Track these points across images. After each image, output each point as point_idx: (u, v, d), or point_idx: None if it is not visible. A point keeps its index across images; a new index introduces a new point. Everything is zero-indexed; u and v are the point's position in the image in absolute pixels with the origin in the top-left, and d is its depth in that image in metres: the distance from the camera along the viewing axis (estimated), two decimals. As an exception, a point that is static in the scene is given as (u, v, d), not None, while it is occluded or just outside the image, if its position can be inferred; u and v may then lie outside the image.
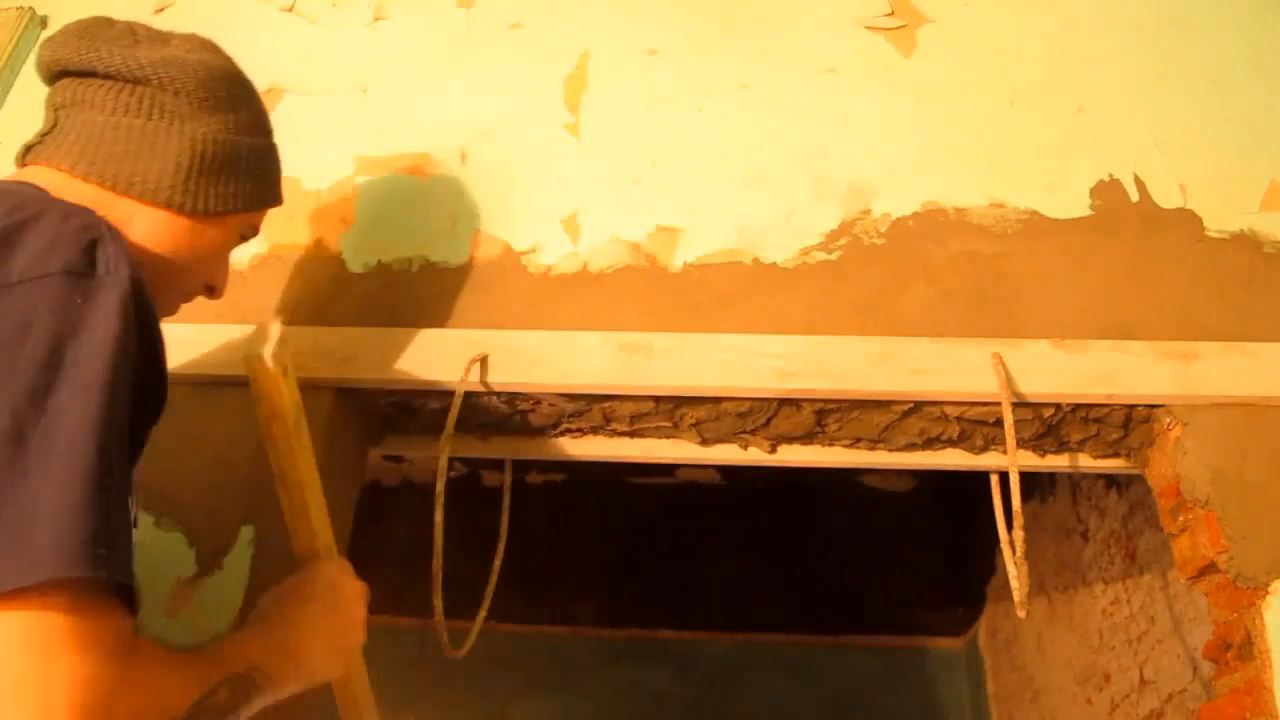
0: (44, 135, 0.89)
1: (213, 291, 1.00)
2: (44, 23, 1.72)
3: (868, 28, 1.52)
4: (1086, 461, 1.29)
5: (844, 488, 3.31)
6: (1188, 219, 1.33)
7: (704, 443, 1.32)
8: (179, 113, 0.90)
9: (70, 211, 0.74)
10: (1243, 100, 1.42)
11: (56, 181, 0.85)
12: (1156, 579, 1.82)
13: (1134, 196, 1.35)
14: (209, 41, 0.99)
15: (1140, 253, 1.30)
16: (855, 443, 1.30)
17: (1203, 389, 1.16)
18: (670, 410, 1.27)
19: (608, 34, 1.55)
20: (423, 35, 1.59)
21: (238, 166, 0.94)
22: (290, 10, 1.66)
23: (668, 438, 1.33)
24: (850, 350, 1.22)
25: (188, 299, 0.98)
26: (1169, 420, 1.18)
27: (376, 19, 1.62)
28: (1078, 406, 1.21)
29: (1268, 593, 1.07)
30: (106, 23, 0.93)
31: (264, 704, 0.77)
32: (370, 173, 1.46)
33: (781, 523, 3.31)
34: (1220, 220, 1.32)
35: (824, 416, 1.26)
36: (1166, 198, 1.34)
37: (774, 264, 1.33)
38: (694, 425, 1.29)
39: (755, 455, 1.32)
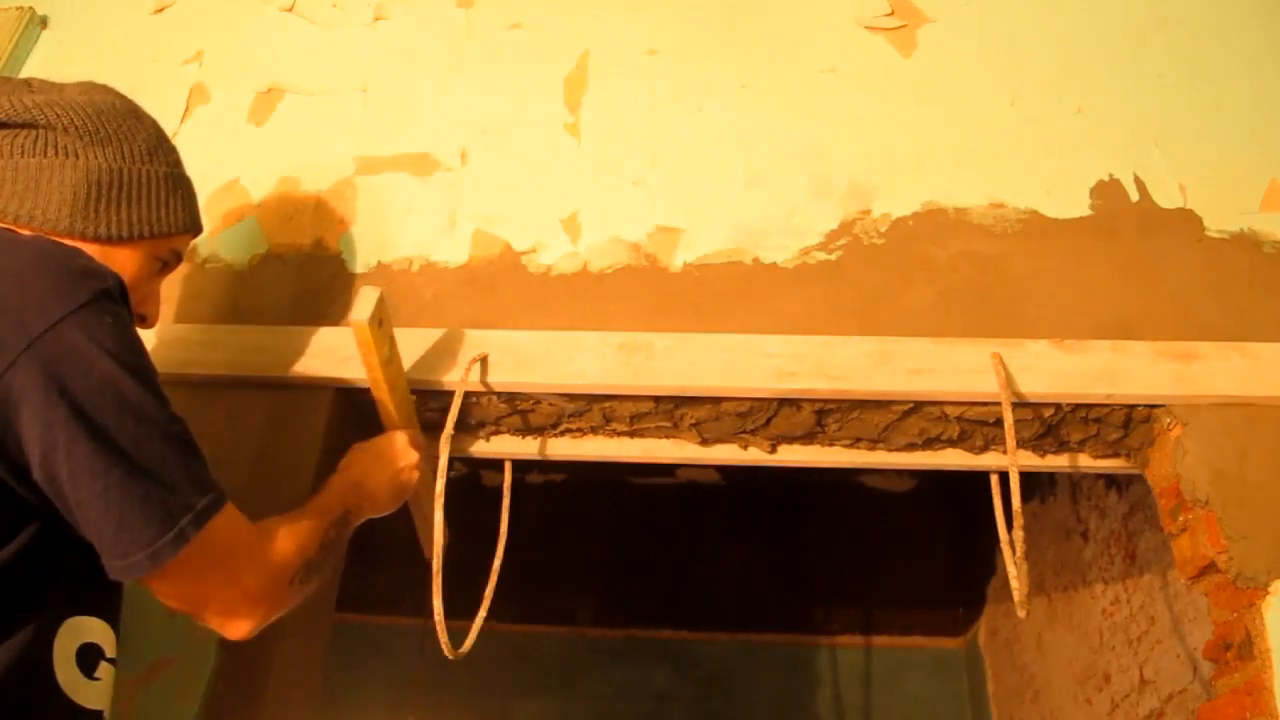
0: None
1: (144, 321, 1.04)
2: (44, 23, 1.72)
3: (867, 28, 1.52)
4: (1086, 461, 1.29)
5: (844, 488, 3.31)
6: (1188, 219, 1.33)
7: (704, 443, 1.32)
8: (71, 148, 0.95)
9: (55, 246, 0.85)
10: (1243, 100, 1.42)
11: None
12: (1156, 579, 1.82)
13: (1134, 196, 1.35)
14: (102, 84, 1.04)
15: (1140, 253, 1.30)
16: (855, 443, 1.30)
17: (1203, 389, 1.16)
18: (670, 410, 1.27)
19: (608, 34, 1.55)
20: (423, 35, 1.60)
21: (136, 193, 0.98)
22: (290, 10, 1.66)
23: (668, 438, 1.33)
24: (850, 350, 1.22)
25: None
26: (1169, 420, 1.18)
27: (376, 19, 1.62)
28: (1078, 406, 1.21)
29: (1268, 593, 1.07)
30: (2, 79, 0.98)
31: (351, 531, 1.09)
32: (370, 173, 1.46)
33: (781, 523, 3.31)
34: (1220, 220, 1.32)
35: (824, 416, 1.26)
36: (1166, 198, 1.34)
37: (774, 264, 1.33)
38: (694, 425, 1.29)
39: (755, 455, 1.32)
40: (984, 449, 1.29)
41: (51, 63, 1.67)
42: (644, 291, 1.32)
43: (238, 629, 0.88)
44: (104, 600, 0.89)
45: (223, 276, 1.40)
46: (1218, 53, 1.47)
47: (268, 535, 0.91)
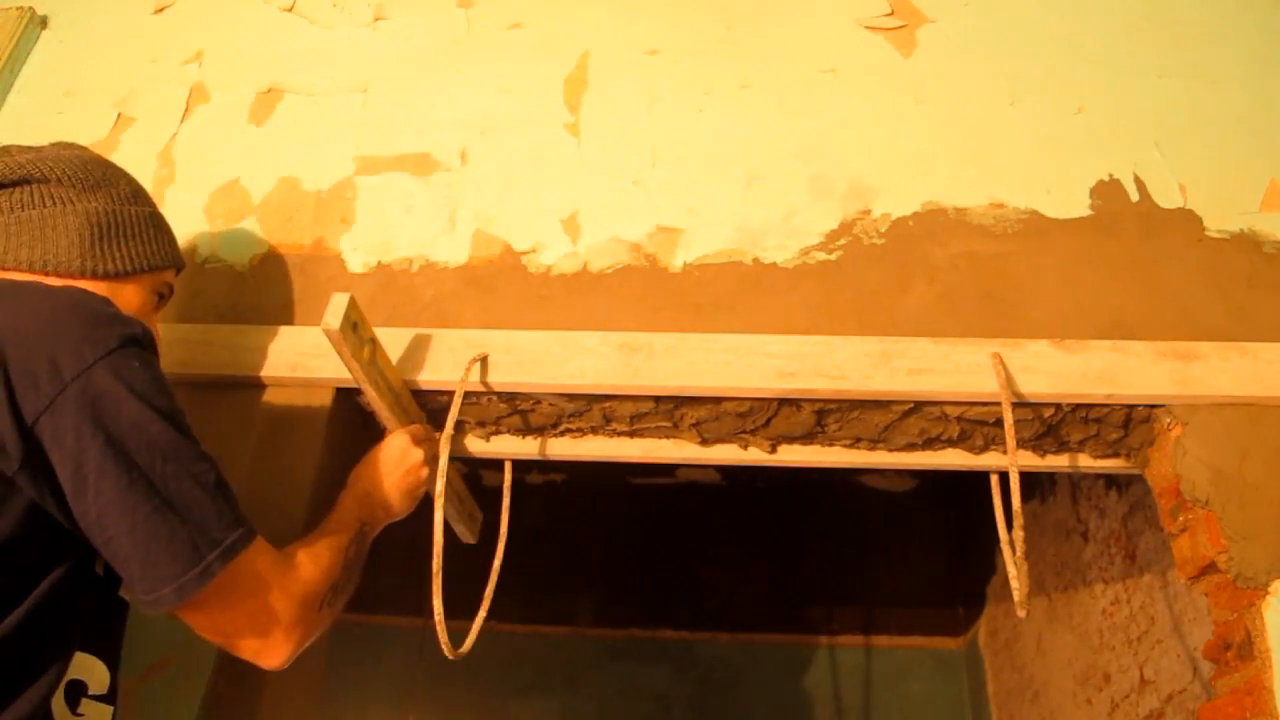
0: None
1: None
2: (44, 23, 1.72)
3: (868, 28, 1.52)
4: (1086, 461, 1.29)
5: (844, 488, 3.31)
6: (1188, 219, 1.33)
7: (704, 443, 1.32)
8: (66, 197, 1.01)
9: (74, 293, 0.89)
10: (1243, 100, 1.42)
11: None
12: (1156, 579, 1.82)
13: (1134, 196, 1.35)
14: (70, 142, 1.11)
15: (1140, 253, 1.30)
16: (855, 443, 1.30)
17: (1203, 389, 1.16)
18: (670, 410, 1.27)
19: (608, 34, 1.55)
20: (423, 35, 1.59)
21: (131, 230, 1.05)
22: (290, 10, 1.66)
23: (668, 438, 1.33)
24: (850, 350, 1.22)
25: None
26: (1169, 420, 1.18)
27: (376, 19, 1.62)
28: (1078, 406, 1.21)
29: (1268, 593, 1.07)
30: None
31: (369, 542, 1.11)
32: (370, 173, 1.46)
33: (782, 523, 3.31)
34: (1220, 220, 1.32)
35: (824, 416, 1.26)
36: (1166, 198, 1.34)
37: (774, 264, 1.33)
38: (694, 425, 1.29)
39: (755, 455, 1.32)
40: (984, 449, 1.29)
41: (51, 63, 1.67)
42: (644, 291, 1.32)
43: (272, 658, 0.90)
44: (107, 640, 0.93)
45: (223, 276, 1.40)
46: (1217, 53, 1.47)
47: (293, 564, 0.94)
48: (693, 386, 1.22)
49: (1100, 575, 2.09)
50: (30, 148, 1.07)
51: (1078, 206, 1.34)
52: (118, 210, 1.04)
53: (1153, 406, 1.20)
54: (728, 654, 3.26)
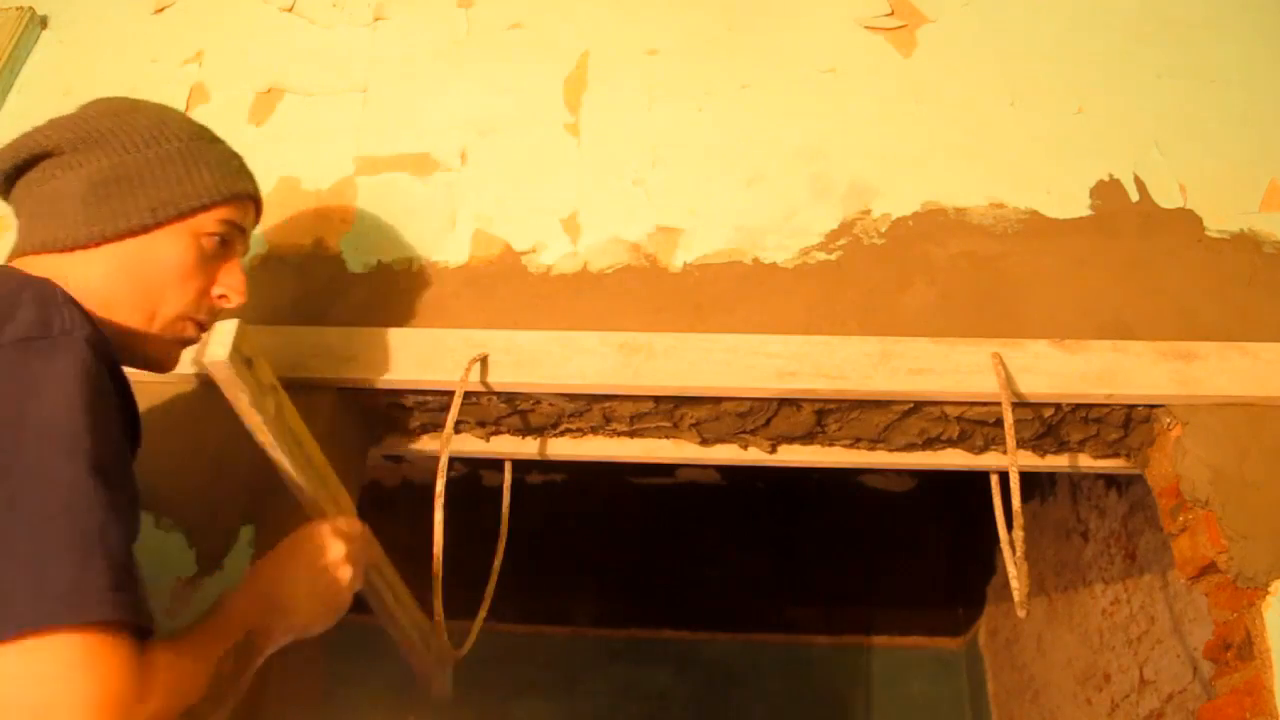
0: (14, 244, 0.95)
1: (224, 299, 0.99)
2: (44, 23, 1.72)
3: (868, 28, 1.52)
4: (1086, 461, 1.29)
5: (844, 488, 3.31)
6: (1188, 219, 1.32)
7: (704, 443, 1.32)
8: (72, 162, 0.92)
9: (27, 283, 0.79)
10: (1243, 100, 1.42)
11: (18, 266, 0.90)
12: (1156, 579, 1.82)
13: (1134, 196, 1.35)
14: (107, 96, 1.01)
15: (1140, 253, 1.30)
16: (855, 443, 1.30)
17: (1203, 389, 1.16)
18: (670, 410, 1.27)
19: (608, 34, 1.55)
20: (423, 35, 1.59)
21: (139, 179, 0.93)
22: (290, 10, 1.66)
23: (668, 438, 1.33)
24: (850, 350, 1.22)
25: (184, 332, 0.96)
26: (1169, 420, 1.18)
27: (376, 19, 1.62)
28: (1078, 406, 1.21)
29: (1268, 593, 1.07)
30: (14, 139, 0.96)
31: (262, 659, 0.86)
32: (370, 173, 1.46)
33: (781, 523, 3.31)
34: (1220, 220, 1.32)
35: (824, 416, 1.26)
36: (1166, 198, 1.34)
37: (774, 264, 1.33)
38: (694, 425, 1.29)
39: (755, 455, 1.32)
40: (984, 449, 1.29)
41: (51, 63, 1.67)
42: (644, 291, 1.32)
43: None
44: None
45: (223, 276, 1.40)
46: (1217, 53, 1.47)
47: (143, 679, 0.67)
48: (693, 386, 1.22)
49: (1100, 575, 2.09)
50: (57, 119, 0.96)
51: (1078, 206, 1.34)
52: (124, 160, 0.92)
53: (1153, 406, 1.20)
54: (728, 654, 3.26)
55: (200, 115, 1.55)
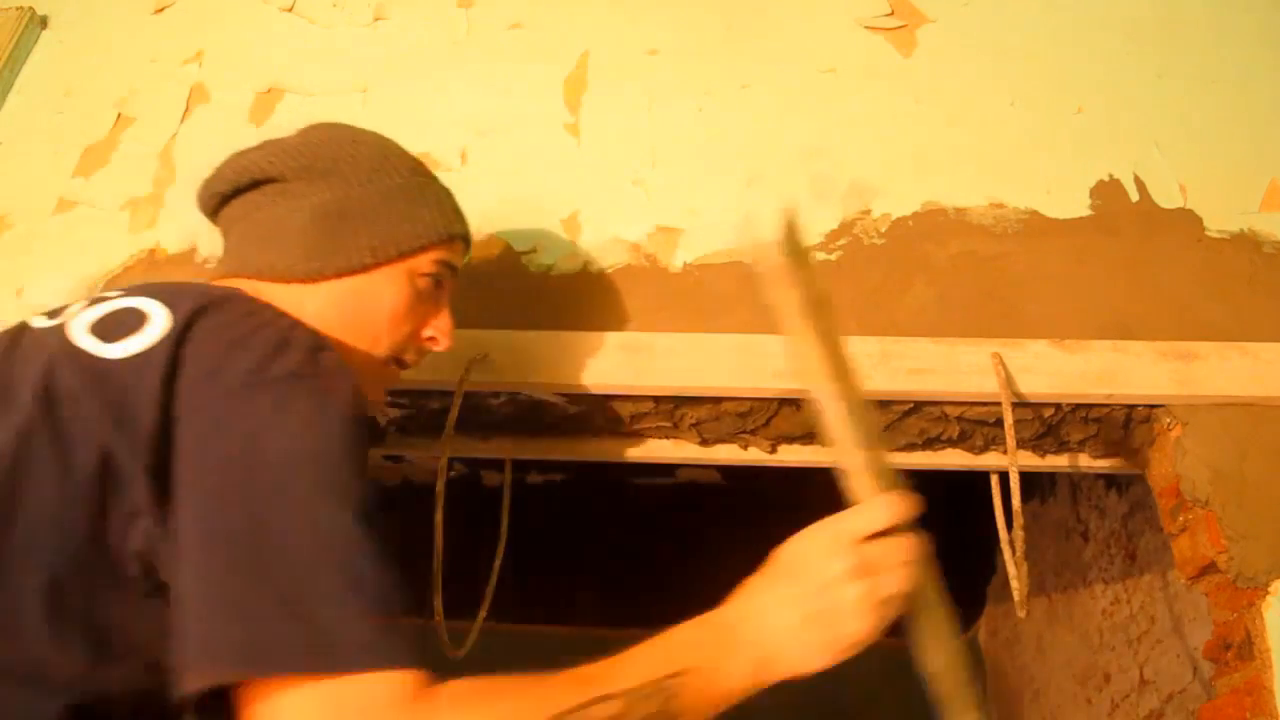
0: (220, 262, 0.95)
1: (433, 341, 0.98)
2: (44, 23, 1.72)
3: (867, 28, 1.52)
4: (1086, 461, 1.29)
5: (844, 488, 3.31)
6: (1188, 219, 1.32)
7: (704, 443, 1.32)
8: (295, 191, 0.92)
9: (283, 317, 0.78)
10: (1242, 100, 1.42)
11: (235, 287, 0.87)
12: (1156, 579, 1.82)
13: (1134, 196, 1.35)
14: (324, 122, 1.00)
15: (1140, 253, 1.30)
16: (855, 443, 1.30)
17: (1203, 389, 1.16)
18: (670, 410, 1.27)
19: (608, 34, 1.55)
20: (423, 35, 1.59)
21: (362, 216, 0.92)
22: (290, 10, 1.66)
23: (668, 438, 1.33)
24: (850, 350, 1.22)
25: (389, 372, 0.96)
26: (1169, 420, 1.18)
27: (376, 19, 1.62)
28: (1078, 406, 1.21)
29: (1268, 593, 1.07)
30: (230, 157, 0.97)
31: (708, 710, 0.65)
32: (370, 173, 1.46)
33: (781, 523, 3.31)
34: (1220, 220, 1.32)
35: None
36: (1166, 198, 1.34)
37: (774, 264, 1.32)
38: (694, 425, 1.29)
39: (755, 455, 1.32)
40: (984, 449, 1.29)
41: (51, 63, 1.67)
42: (644, 291, 1.32)
43: None
44: None
45: (223, 276, 1.40)
46: (1217, 52, 1.47)
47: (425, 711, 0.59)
48: (693, 386, 1.22)
49: (1100, 575, 2.09)
50: (273, 142, 0.96)
51: (1078, 206, 1.34)
52: (348, 195, 0.91)
53: (1153, 406, 1.20)
54: (728, 654, 3.26)
55: (200, 115, 1.56)
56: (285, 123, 1.53)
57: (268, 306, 0.80)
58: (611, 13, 1.57)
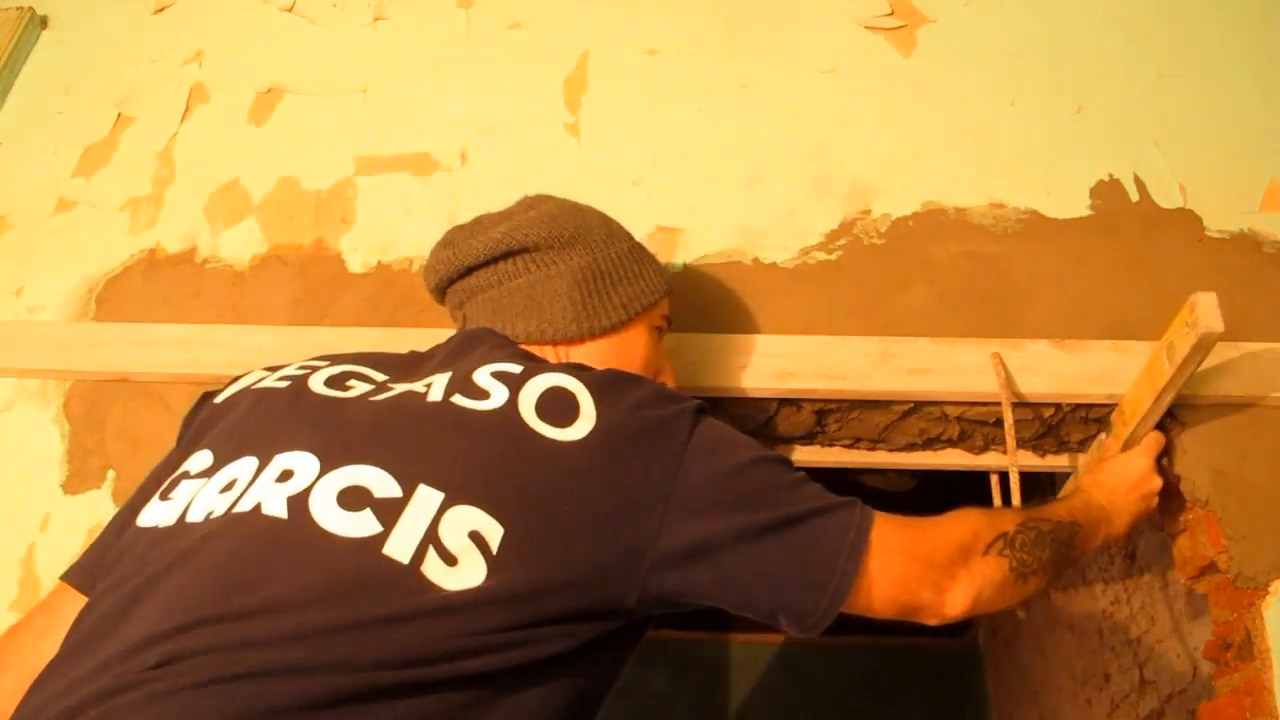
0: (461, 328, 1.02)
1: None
2: (44, 23, 1.72)
3: (868, 28, 1.52)
4: (1086, 461, 1.29)
5: (844, 488, 3.31)
6: (1188, 219, 1.32)
7: (704, 443, 1.32)
8: (547, 260, 0.99)
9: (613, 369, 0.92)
10: (1243, 100, 1.42)
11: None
12: (1156, 579, 1.82)
13: (1134, 196, 1.35)
14: (535, 195, 1.10)
15: (1140, 253, 1.30)
16: (855, 443, 1.30)
17: (1203, 389, 1.16)
18: (670, 410, 1.27)
19: (608, 34, 1.55)
20: (423, 35, 1.59)
21: (616, 275, 1.02)
22: (290, 10, 1.66)
23: (668, 438, 1.33)
24: (850, 350, 1.22)
25: None
26: (1169, 420, 1.18)
27: (376, 19, 1.62)
28: (1078, 406, 1.21)
29: (1268, 593, 1.07)
30: (458, 228, 1.07)
31: (1092, 543, 1.02)
32: (370, 173, 1.46)
33: (781, 523, 3.31)
34: (1220, 220, 1.32)
35: (824, 416, 1.26)
36: (1166, 198, 1.34)
37: (774, 264, 1.33)
38: (694, 425, 1.29)
39: (755, 455, 1.32)
40: (984, 449, 1.29)
41: (51, 63, 1.67)
42: (644, 291, 1.31)
43: (936, 614, 1.01)
44: None
45: (223, 276, 1.40)
46: (1218, 52, 1.47)
47: (922, 523, 1.00)
48: (693, 386, 1.22)
49: (1100, 575, 2.08)
50: (500, 214, 1.06)
51: (1078, 206, 1.34)
52: (598, 259, 1.01)
53: (1153, 406, 1.20)
54: (728, 654, 3.26)
55: (200, 115, 1.56)
56: (285, 123, 1.54)
57: (582, 366, 0.90)
58: (611, 13, 1.57)
